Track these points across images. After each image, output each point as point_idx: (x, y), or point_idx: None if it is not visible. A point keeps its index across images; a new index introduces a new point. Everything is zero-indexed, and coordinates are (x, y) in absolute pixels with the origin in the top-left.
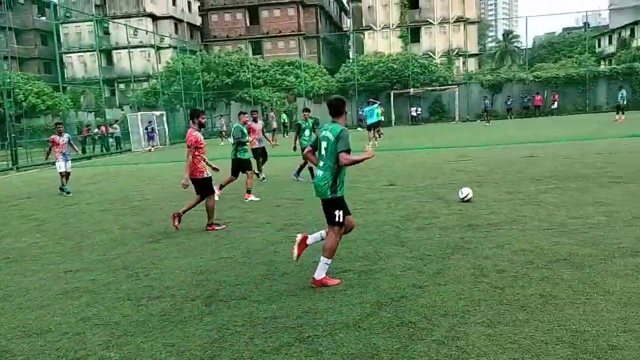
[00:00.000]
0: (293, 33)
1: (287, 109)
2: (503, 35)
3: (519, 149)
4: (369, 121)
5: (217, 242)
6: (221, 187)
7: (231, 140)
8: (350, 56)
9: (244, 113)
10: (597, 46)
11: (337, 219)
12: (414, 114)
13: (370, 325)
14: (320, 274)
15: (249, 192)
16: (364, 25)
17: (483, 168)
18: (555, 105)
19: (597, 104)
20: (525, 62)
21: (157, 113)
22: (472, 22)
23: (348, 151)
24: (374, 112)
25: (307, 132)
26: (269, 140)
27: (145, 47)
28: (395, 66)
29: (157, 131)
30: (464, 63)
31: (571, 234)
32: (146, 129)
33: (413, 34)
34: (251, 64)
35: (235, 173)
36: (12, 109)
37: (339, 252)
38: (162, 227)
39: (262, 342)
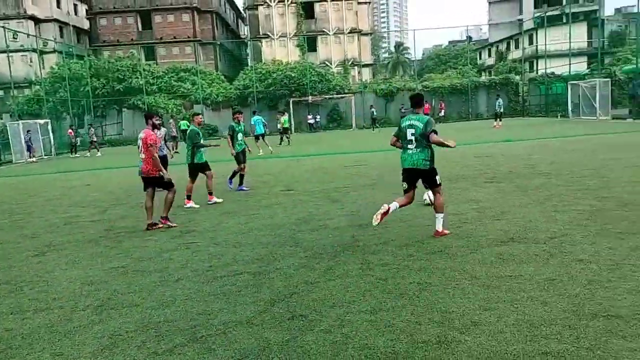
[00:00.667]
0: (188, 39)
1: (186, 116)
2: (395, 46)
3: None
4: (257, 131)
5: (107, 252)
6: (189, 197)
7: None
8: (249, 64)
9: (199, 114)
10: (478, 58)
11: (438, 182)
12: (311, 121)
13: (263, 321)
14: (440, 227)
15: (210, 194)
16: (261, 33)
17: (376, 172)
18: (442, 113)
19: (479, 111)
20: (414, 72)
21: (41, 121)
22: (366, 34)
23: (436, 132)
24: (261, 122)
25: (240, 136)
26: (169, 149)
27: (26, 51)
28: (293, 74)
29: (39, 140)
30: (359, 72)
31: (448, 229)
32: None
33: (310, 44)
34: (144, 69)
35: (193, 177)
36: None
37: (234, 256)
38: (47, 239)
39: (155, 345)
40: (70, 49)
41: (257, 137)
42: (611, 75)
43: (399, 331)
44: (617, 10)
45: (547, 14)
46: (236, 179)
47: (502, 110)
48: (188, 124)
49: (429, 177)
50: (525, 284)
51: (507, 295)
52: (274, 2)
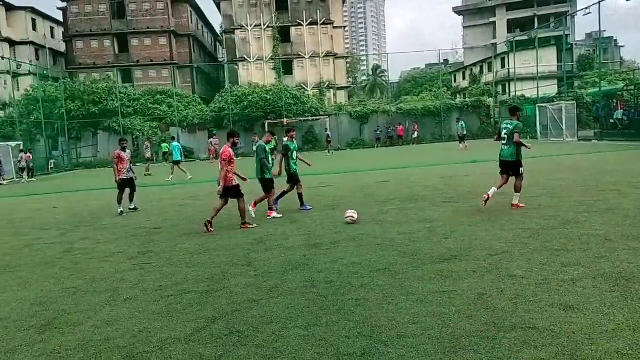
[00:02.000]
0: (165, 62)
1: (165, 138)
2: (372, 69)
3: (377, 175)
4: (175, 157)
5: (62, 273)
6: (270, 208)
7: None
8: (226, 86)
9: (271, 133)
10: (453, 81)
11: (521, 172)
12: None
13: (201, 338)
14: (516, 201)
15: (270, 208)
16: (238, 56)
17: (340, 193)
18: (416, 134)
19: (452, 133)
20: (390, 94)
21: (13, 144)
22: (341, 57)
23: (519, 133)
24: (178, 149)
25: (294, 155)
26: (133, 172)
27: (1, 73)
28: (268, 97)
29: (11, 163)
30: (334, 95)
31: (396, 247)
32: None
33: (286, 67)
34: (120, 92)
35: (268, 190)
36: None
37: (185, 276)
38: (4, 262)
39: None
40: (45, 72)
41: (174, 163)
42: (578, 98)
43: (328, 345)
44: (588, 35)
45: (516, 38)
46: (290, 198)
47: (465, 132)
48: (168, 146)
49: (515, 168)
50: (457, 298)
51: (437, 309)
52: (251, 26)
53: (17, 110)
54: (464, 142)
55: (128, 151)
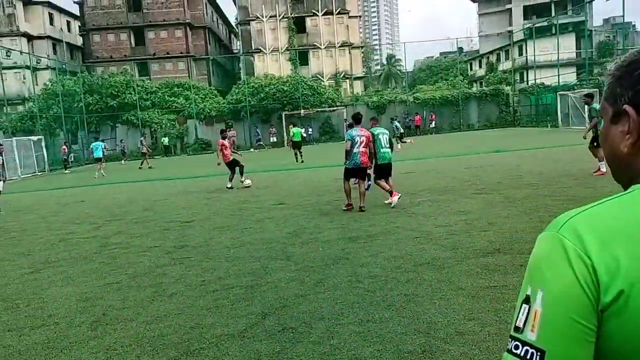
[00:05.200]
0: (181, 55)
1: (167, 131)
2: (386, 59)
3: (400, 166)
4: (95, 154)
5: (102, 268)
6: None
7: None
8: (241, 78)
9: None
10: (469, 69)
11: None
12: (303, 134)
13: (254, 334)
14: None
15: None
16: (253, 47)
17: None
18: (433, 124)
19: (470, 122)
20: (405, 84)
21: (35, 138)
22: (356, 47)
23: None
24: (100, 147)
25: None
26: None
27: (19, 68)
28: (285, 88)
29: (33, 156)
30: (350, 85)
31: (435, 240)
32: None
33: (301, 57)
34: (137, 85)
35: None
36: None
37: (227, 270)
38: (43, 257)
39: (150, 359)
40: (64, 66)
41: (97, 160)
42: (599, 85)
43: (386, 342)
44: (606, 21)
45: (535, 25)
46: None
47: (401, 130)
48: (167, 140)
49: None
50: (509, 293)
51: (490, 305)
52: (266, 17)
53: (36, 104)
54: (409, 140)
55: (228, 137)
